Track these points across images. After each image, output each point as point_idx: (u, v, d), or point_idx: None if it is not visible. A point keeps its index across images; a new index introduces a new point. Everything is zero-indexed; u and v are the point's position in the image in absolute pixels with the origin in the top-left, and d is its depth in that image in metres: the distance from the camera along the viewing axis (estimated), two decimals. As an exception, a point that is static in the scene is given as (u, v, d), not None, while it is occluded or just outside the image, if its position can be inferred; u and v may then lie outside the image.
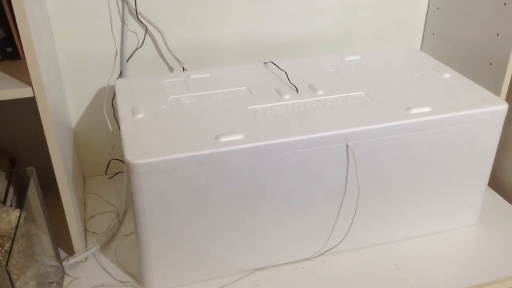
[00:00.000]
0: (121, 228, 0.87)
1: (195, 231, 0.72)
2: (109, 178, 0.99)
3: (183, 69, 0.94)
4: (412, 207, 0.82)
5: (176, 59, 0.94)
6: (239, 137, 0.69)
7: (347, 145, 0.72)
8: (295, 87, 0.83)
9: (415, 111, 0.75)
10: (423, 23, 1.08)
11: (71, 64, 0.90)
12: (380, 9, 1.03)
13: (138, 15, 0.89)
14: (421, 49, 1.10)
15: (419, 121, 0.74)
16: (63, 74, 0.91)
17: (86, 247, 0.82)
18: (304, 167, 0.72)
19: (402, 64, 0.92)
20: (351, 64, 0.93)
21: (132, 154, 0.66)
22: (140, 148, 0.67)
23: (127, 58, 0.92)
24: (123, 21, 0.89)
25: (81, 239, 0.80)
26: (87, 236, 0.85)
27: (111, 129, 0.87)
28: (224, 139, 0.69)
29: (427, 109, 0.76)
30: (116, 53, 0.91)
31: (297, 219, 0.76)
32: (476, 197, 0.86)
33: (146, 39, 0.92)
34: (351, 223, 0.78)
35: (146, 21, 0.90)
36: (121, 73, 0.93)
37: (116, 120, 0.91)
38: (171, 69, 0.96)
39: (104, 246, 0.83)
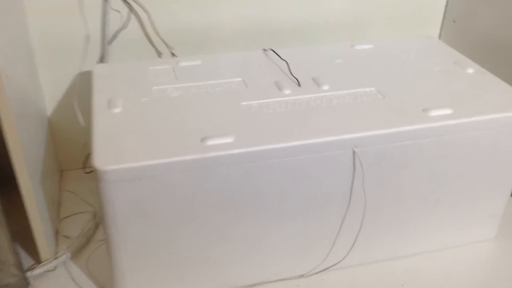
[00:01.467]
0: (97, 232, 0.78)
1: (177, 244, 0.63)
2: (87, 173, 0.89)
3: (172, 54, 0.84)
4: (424, 220, 0.72)
5: (165, 43, 0.83)
6: (229, 140, 0.59)
7: (354, 152, 0.62)
8: (297, 80, 0.73)
9: (434, 113, 0.65)
10: (443, 8, 0.97)
11: (47, 45, 0.80)
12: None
13: (121, -8, 0.79)
14: (439, 38, 1.00)
15: (439, 126, 0.64)
16: (37, 56, 0.80)
17: (56, 253, 0.73)
18: (303, 175, 0.62)
19: (419, 56, 0.82)
20: (362, 54, 0.82)
21: (102, 158, 0.56)
22: (112, 150, 0.57)
23: (109, 40, 0.82)
24: (104, -2, 0.79)
25: (49, 245, 0.71)
26: (59, 240, 0.76)
27: (82, 124, 0.77)
28: (211, 142, 0.59)
29: (447, 111, 0.66)
30: (89, 36, 0.80)
31: (294, 232, 0.67)
32: (496, 209, 0.76)
33: (131, 19, 0.81)
34: (355, 240, 0.69)
35: (131, -2, 0.79)
36: (102, 56, 0.83)
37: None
38: (159, 54, 0.86)
39: (77, 253, 0.74)
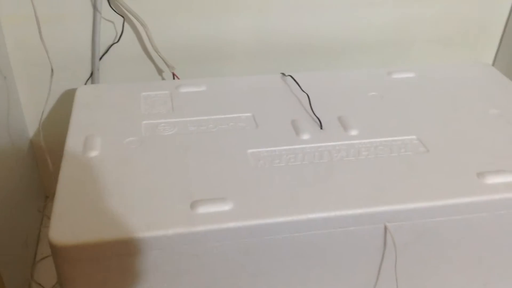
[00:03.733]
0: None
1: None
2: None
3: (174, 75, 0.71)
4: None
5: (164, 62, 0.70)
6: (226, 207, 0.47)
7: (385, 228, 0.49)
8: (319, 120, 0.59)
9: (491, 180, 0.51)
10: (502, 28, 0.81)
11: (26, 59, 0.68)
12: (445, 6, 0.77)
13: (113, 1, 0.66)
14: (493, 64, 0.84)
15: (496, 199, 0.50)
16: (15, 71, 0.69)
17: (25, 309, 0.62)
18: (318, 255, 0.49)
19: (472, 91, 0.67)
20: (401, 85, 0.68)
21: (61, 228, 0.44)
22: (76, 217, 0.45)
23: (100, 55, 0.69)
24: (95, 7, 0.66)
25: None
26: (31, 289, 0.66)
27: (51, 168, 0.65)
28: (203, 209, 0.46)
29: (509, 178, 0.51)
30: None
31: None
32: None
33: (125, 31, 0.69)
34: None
35: (125, 9, 0.66)
36: (92, 74, 0.71)
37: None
38: (159, 73, 0.73)
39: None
